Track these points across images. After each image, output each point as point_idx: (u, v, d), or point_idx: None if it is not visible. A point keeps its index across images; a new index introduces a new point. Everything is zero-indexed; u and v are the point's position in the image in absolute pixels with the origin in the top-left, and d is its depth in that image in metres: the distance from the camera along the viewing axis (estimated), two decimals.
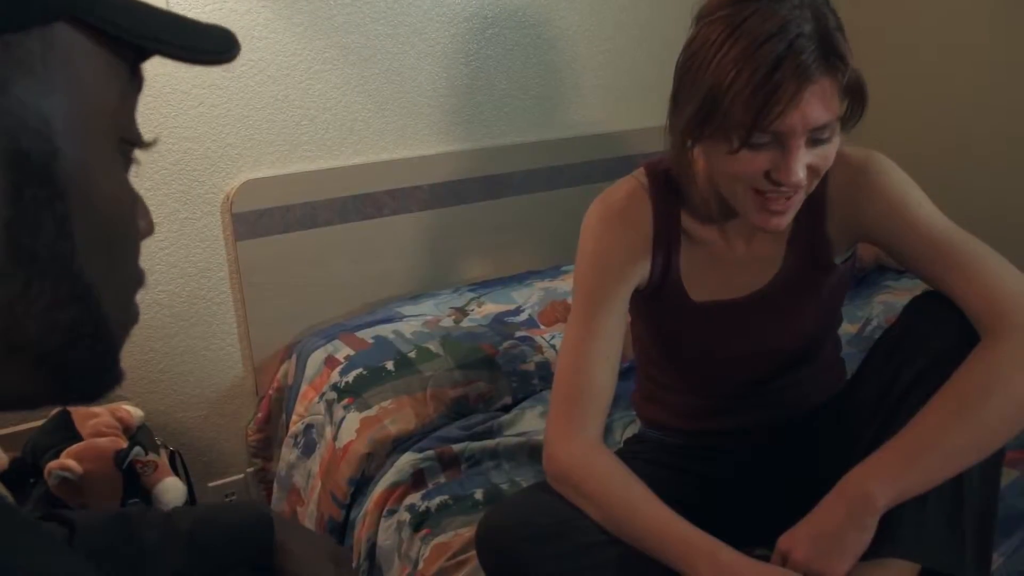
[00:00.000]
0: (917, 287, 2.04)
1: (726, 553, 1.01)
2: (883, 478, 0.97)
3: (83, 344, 0.46)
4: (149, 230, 0.52)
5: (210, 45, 0.50)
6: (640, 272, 1.21)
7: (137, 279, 0.51)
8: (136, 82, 0.49)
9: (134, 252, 0.50)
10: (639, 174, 1.23)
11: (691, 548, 1.01)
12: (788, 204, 1.05)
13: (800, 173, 1.00)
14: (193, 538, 0.81)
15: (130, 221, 0.49)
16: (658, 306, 1.25)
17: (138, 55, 0.48)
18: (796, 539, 1.00)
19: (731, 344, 1.24)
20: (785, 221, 1.07)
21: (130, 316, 0.51)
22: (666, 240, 1.20)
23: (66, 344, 0.45)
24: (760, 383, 1.29)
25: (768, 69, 0.95)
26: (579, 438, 1.13)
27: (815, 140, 1.00)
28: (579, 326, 1.18)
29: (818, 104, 0.97)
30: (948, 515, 1.00)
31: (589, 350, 1.16)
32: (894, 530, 0.99)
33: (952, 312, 1.05)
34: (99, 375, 0.49)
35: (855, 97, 1.01)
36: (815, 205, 1.16)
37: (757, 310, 1.22)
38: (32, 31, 0.42)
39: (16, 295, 0.42)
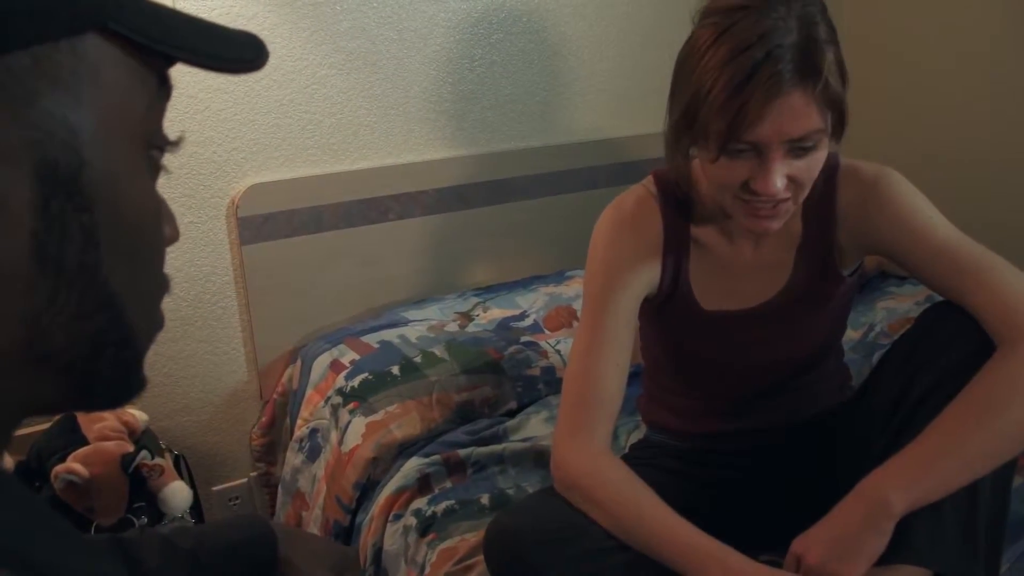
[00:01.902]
0: (919, 292, 2.05)
1: (736, 559, 1.01)
2: (901, 483, 0.98)
3: (109, 353, 0.46)
4: (175, 236, 0.52)
5: (238, 53, 0.50)
6: (650, 279, 1.21)
7: (162, 286, 0.51)
8: (165, 89, 0.49)
9: (159, 259, 0.50)
10: (648, 182, 1.23)
11: (701, 554, 1.01)
12: (776, 211, 1.06)
13: (778, 184, 1.01)
14: (195, 558, 0.81)
15: (156, 229, 0.49)
16: (668, 314, 1.26)
17: (167, 62, 0.48)
18: (811, 541, 1.00)
19: (740, 353, 1.25)
20: (776, 225, 1.08)
21: (155, 323, 0.51)
22: (675, 247, 1.21)
23: (92, 353, 0.45)
24: (767, 390, 1.29)
25: (743, 79, 0.96)
26: (587, 444, 1.13)
27: (796, 150, 1.01)
28: (588, 332, 1.18)
29: (792, 116, 0.97)
30: (963, 523, 1.01)
31: (598, 356, 1.16)
32: (909, 537, 0.99)
33: (969, 323, 1.06)
34: (124, 382, 0.49)
35: (833, 112, 1.01)
36: (824, 218, 1.17)
37: (767, 321, 1.22)
38: (61, 42, 0.41)
39: (43, 305, 0.42)
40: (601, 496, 1.08)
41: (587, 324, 1.19)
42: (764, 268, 1.21)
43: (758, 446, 1.31)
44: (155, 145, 0.49)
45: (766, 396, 1.30)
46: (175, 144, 0.51)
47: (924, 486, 0.97)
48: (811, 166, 1.03)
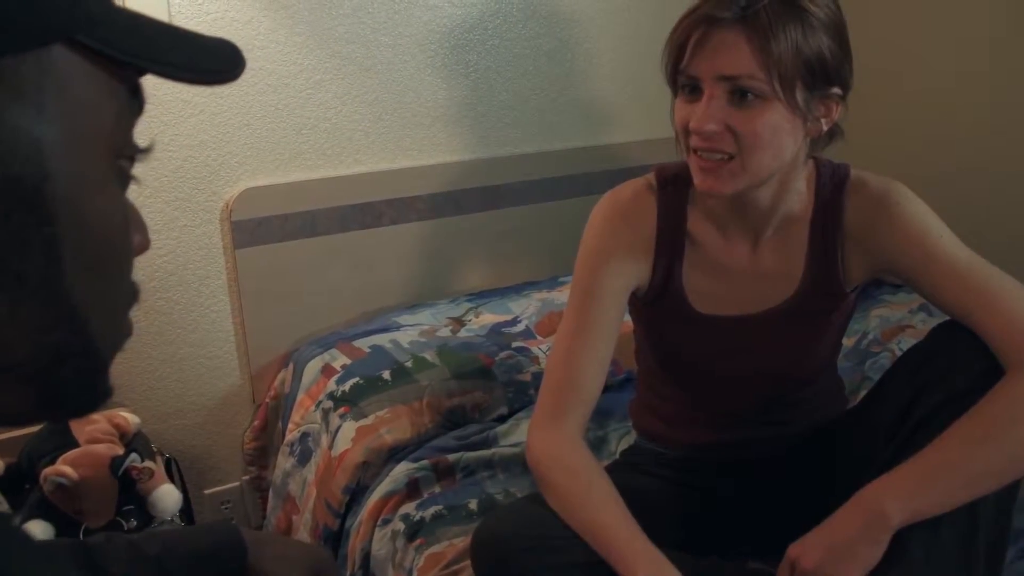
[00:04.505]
0: (913, 301, 2.05)
1: (665, 569, 1.02)
2: (900, 495, 0.98)
3: (71, 364, 0.46)
4: (145, 246, 0.51)
5: (213, 64, 0.49)
6: (639, 274, 1.21)
7: (130, 296, 0.50)
8: (137, 100, 0.48)
9: (127, 270, 0.50)
10: (650, 176, 1.24)
11: (632, 554, 1.02)
12: (717, 166, 1.06)
13: (709, 123, 1.03)
14: (161, 565, 0.80)
15: (123, 240, 0.49)
16: (659, 314, 1.25)
17: (138, 72, 0.47)
18: (807, 546, 1.01)
19: (733, 361, 1.23)
20: (720, 185, 1.07)
21: (121, 332, 0.50)
22: (669, 244, 1.20)
23: (54, 365, 0.45)
24: (759, 403, 1.28)
25: (694, 16, 1.04)
26: (557, 430, 1.15)
27: (735, 96, 1.02)
28: (573, 320, 1.20)
29: (725, 51, 1.01)
30: (961, 541, 1.00)
31: (580, 345, 1.18)
32: (905, 551, 0.99)
33: (979, 345, 1.05)
34: (88, 392, 0.48)
35: (783, 80, 1.01)
36: (832, 230, 1.16)
37: (763, 330, 1.21)
38: (26, 54, 0.41)
39: (4, 319, 0.42)
40: (557, 480, 1.11)
41: (572, 311, 1.21)
42: (763, 277, 1.20)
43: (750, 458, 1.30)
44: (124, 155, 0.48)
45: (758, 409, 1.28)
46: (145, 151, 0.50)
47: (923, 500, 0.98)
48: (752, 120, 1.03)
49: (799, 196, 1.17)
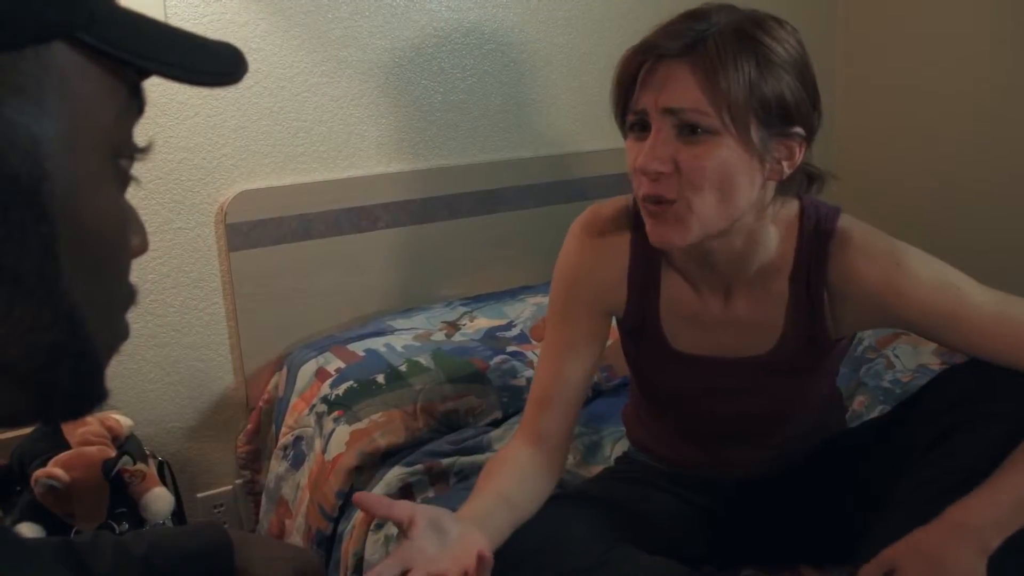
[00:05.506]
0: None
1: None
2: (998, 519, 0.93)
3: (66, 365, 0.45)
4: (143, 248, 0.51)
5: (214, 66, 0.49)
6: (613, 303, 1.19)
7: (127, 297, 0.50)
8: (138, 100, 0.48)
9: (124, 271, 0.49)
10: (630, 197, 1.17)
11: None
12: (663, 211, 0.99)
13: (654, 162, 0.96)
14: (148, 565, 0.79)
15: (121, 240, 0.48)
16: (638, 347, 1.22)
17: (140, 73, 0.47)
18: (908, 561, 0.93)
19: (717, 400, 1.20)
20: (670, 234, 1.00)
21: (118, 334, 0.50)
22: (642, 280, 1.16)
23: (49, 365, 0.44)
24: (748, 435, 1.25)
25: (643, 44, 1.00)
26: (515, 437, 1.19)
27: (683, 131, 0.96)
28: (551, 334, 1.21)
29: (671, 85, 0.96)
30: None
31: (557, 361, 1.18)
32: None
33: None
34: (83, 394, 0.48)
35: (736, 119, 0.95)
36: (815, 288, 1.09)
37: (747, 376, 1.16)
38: (26, 51, 0.40)
39: None
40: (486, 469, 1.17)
41: (551, 326, 1.21)
42: (739, 325, 1.14)
43: (743, 477, 1.27)
44: (124, 155, 0.48)
45: (748, 435, 1.25)
46: (144, 151, 0.50)
47: (1016, 523, 0.93)
48: (699, 157, 0.95)
49: (775, 245, 1.10)
